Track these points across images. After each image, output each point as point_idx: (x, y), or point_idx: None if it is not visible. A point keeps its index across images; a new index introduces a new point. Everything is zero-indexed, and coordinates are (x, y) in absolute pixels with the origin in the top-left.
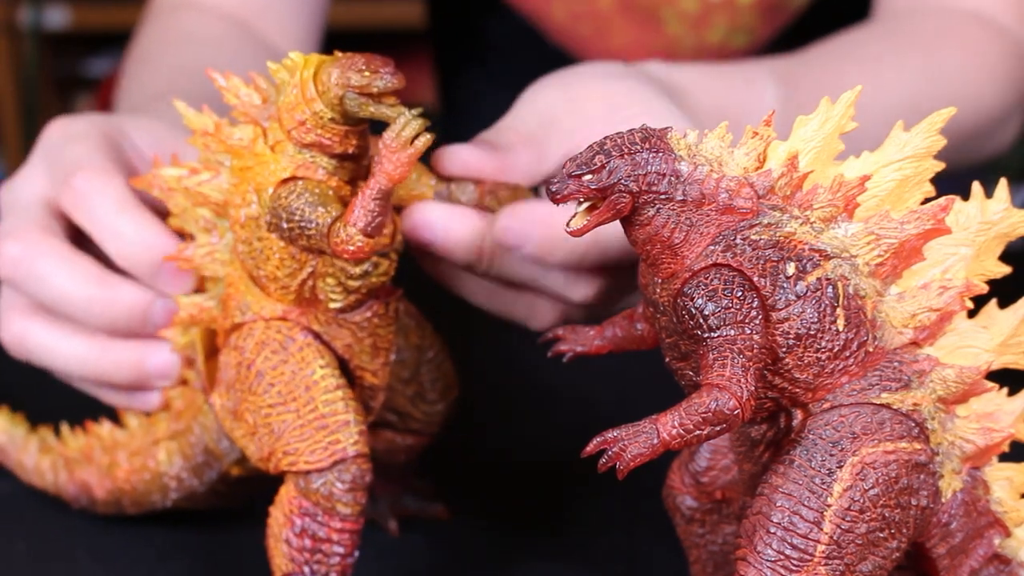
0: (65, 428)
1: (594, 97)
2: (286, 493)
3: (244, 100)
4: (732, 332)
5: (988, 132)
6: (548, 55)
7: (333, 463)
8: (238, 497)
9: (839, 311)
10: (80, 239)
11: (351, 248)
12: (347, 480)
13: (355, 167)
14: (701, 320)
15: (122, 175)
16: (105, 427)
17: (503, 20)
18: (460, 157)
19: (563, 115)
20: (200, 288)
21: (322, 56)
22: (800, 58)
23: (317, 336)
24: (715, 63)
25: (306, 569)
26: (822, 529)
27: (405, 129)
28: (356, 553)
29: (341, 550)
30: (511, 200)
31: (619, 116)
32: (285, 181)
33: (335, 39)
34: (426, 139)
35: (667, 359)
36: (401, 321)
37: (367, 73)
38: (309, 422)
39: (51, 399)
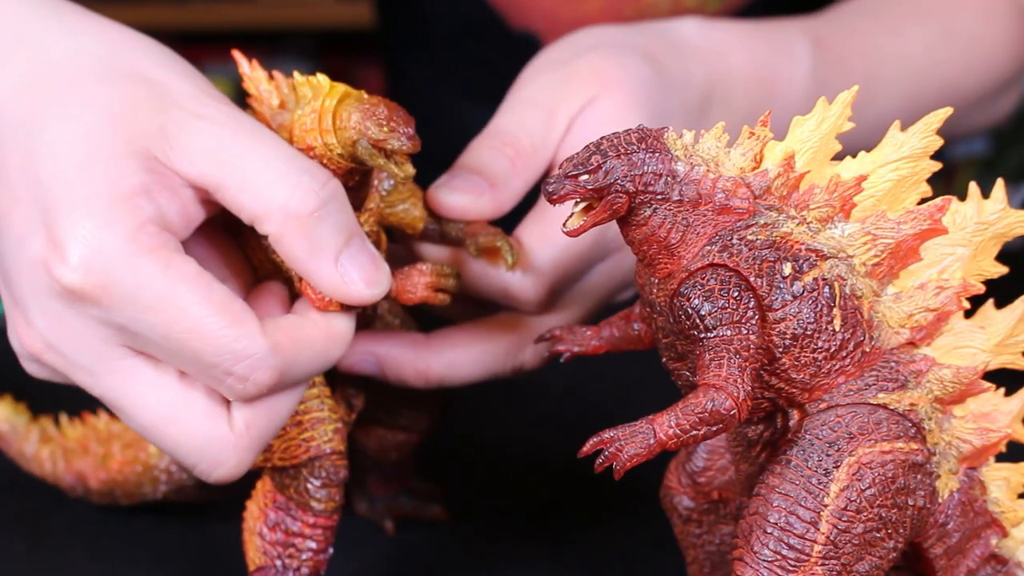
0: (64, 419)
1: (589, 81)
2: (262, 487)
3: (263, 95)
4: (728, 332)
5: (994, 95)
6: (500, 43)
7: (307, 459)
8: (226, 491)
9: (836, 311)
10: None
11: (324, 299)
12: (321, 476)
13: (352, 197)
14: (698, 320)
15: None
16: (102, 419)
17: (452, 7)
18: (452, 203)
19: (559, 106)
20: None
21: (348, 89)
22: (828, 19)
23: None
24: (750, 21)
25: (278, 563)
26: (819, 529)
27: (447, 277)
28: (330, 550)
29: (314, 545)
30: (488, 245)
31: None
32: None
33: (291, 37)
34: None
35: (664, 359)
36: (384, 320)
37: (386, 128)
38: (292, 417)
39: (53, 389)
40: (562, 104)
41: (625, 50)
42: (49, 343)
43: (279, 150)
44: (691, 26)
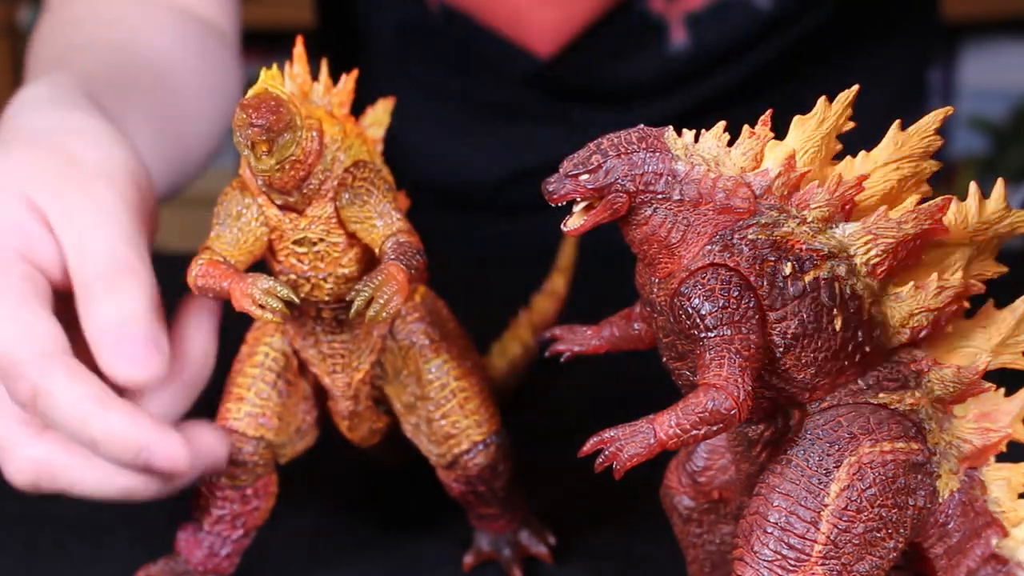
0: None
1: None
2: None
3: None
4: (729, 332)
5: None
6: (434, 49)
7: (222, 427)
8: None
9: (836, 311)
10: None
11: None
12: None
13: (299, 199)
14: (698, 320)
15: None
16: None
17: (385, 10)
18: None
19: None
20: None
21: (260, 82)
22: None
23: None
24: None
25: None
26: (819, 529)
27: (273, 296)
28: (234, 532)
29: (216, 511)
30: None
31: None
32: None
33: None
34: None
35: (664, 359)
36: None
37: (242, 117)
38: (232, 382)
39: None
40: None
41: None
42: None
43: None
44: None
